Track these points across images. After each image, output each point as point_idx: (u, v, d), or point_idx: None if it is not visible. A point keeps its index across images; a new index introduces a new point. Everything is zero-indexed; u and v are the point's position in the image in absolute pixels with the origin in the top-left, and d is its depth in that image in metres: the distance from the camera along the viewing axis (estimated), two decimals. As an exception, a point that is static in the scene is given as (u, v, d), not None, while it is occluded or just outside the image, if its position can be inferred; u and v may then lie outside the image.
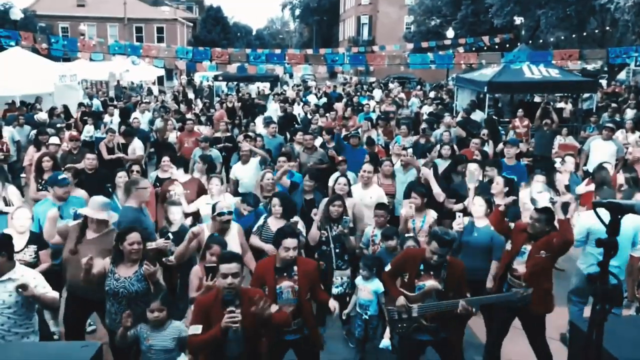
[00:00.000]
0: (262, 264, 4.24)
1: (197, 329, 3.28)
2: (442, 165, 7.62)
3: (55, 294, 4.09)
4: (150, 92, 24.67)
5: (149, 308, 3.94)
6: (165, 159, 7.27)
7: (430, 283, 4.11)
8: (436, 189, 6.39)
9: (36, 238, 4.86)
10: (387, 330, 4.82)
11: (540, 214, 4.48)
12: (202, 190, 6.63)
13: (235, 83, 24.17)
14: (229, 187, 7.67)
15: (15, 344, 3.83)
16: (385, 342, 4.80)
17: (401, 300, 4.13)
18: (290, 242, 3.99)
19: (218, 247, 4.25)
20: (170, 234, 5.19)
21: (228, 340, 3.35)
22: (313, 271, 4.19)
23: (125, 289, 4.14)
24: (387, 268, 4.38)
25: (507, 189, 5.97)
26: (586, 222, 5.17)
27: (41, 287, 3.99)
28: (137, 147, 9.57)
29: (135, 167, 7.03)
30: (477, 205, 5.22)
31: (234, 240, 4.95)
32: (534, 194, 4.56)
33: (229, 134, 10.86)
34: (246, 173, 7.41)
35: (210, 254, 4.26)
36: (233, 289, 3.33)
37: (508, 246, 4.69)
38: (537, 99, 17.99)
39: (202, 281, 4.20)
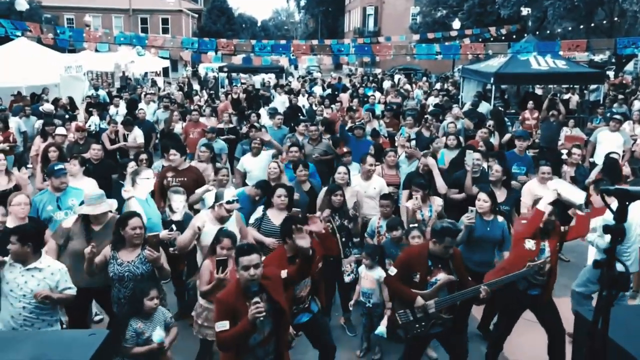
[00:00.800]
0: (273, 257, 4.15)
1: (225, 325, 3.25)
2: (449, 155, 7.62)
3: (73, 292, 4.11)
4: (154, 83, 24.64)
5: (149, 296, 3.96)
6: (172, 150, 7.25)
7: (443, 276, 4.11)
8: (439, 182, 6.38)
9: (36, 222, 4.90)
10: (385, 318, 4.84)
11: (555, 208, 4.47)
12: (199, 178, 6.58)
13: (238, 74, 24.07)
14: (234, 179, 7.66)
15: (24, 332, 3.85)
16: (381, 329, 4.82)
17: (420, 301, 4.09)
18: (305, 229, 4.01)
19: (228, 241, 4.23)
20: (173, 225, 5.19)
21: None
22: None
23: (130, 272, 4.17)
24: (392, 272, 4.26)
25: (504, 177, 6.01)
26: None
27: (63, 281, 4.06)
28: (137, 136, 9.62)
29: (143, 156, 7.04)
30: (481, 200, 5.15)
31: (232, 227, 4.90)
32: (567, 193, 4.50)
33: (232, 125, 10.86)
34: (256, 165, 7.33)
35: (221, 247, 4.24)
36: (256, 280, 3.31)
37: (531, 245, 4.47)
38: (538, 91, 17.90)
39: (212, 274, 4.19)
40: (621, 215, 1.86)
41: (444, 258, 4.13)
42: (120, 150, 9.60)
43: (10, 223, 4.68)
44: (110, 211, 4.77)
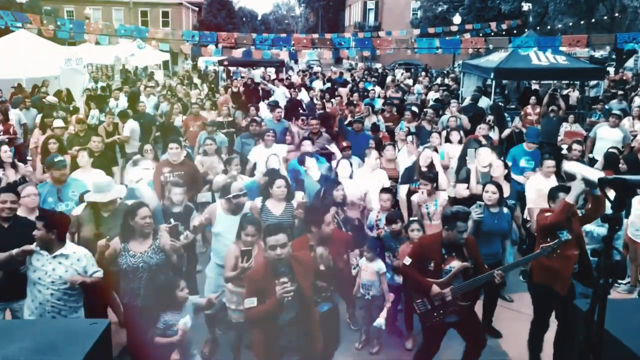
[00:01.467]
0: (296, 245, 4.13)
1: (252, 301, 3.32)
2: (452, 149, 7.64)
3: (100, 274, 4.15)
4: (151, 76, 24.52)
5: (179, 288, 4.00)
6: (173, 144, 7.26)
7: (457, 264, 4.14)
8: (442, 177, 6.41)
9: (44, 212, 4.92)
10: (384, 310, 4.87)
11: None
12: (195, 172, 6.58)
13: (237, 68, 24.01)
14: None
15: (26, 321, 3.89)
16: (380, 321, 4.85)
17: (435, 289, 4.12)
18: (329, 216, 4.06)
19: (252, 227, 4.30)
20: (171, 219, 5.20)
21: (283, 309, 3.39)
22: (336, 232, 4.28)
23: (145, 263, 4.18)
24: (407, 262, 4.29)
25: (506, 171, 6.06)
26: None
27: (90, 265, 4.11)
28: (127, 128, 9.56)
29: (147, 147, 7.06)
30: (490, 192, 5.19)
31: None
32: (585, 171, 4.52)
33: (231, 119, 10.85)
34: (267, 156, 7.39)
35: (245, 234, 4.30)
36: (283, 259, 3.36)
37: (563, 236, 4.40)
38: (536, 86, 17.88)
39: (237, 261, 4.26)
40: (619, 204, 1.89)
41: (458, 245, 4.16)
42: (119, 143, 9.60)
43: (21, 214, 4.66)
44: (120, 198, 4.82)
